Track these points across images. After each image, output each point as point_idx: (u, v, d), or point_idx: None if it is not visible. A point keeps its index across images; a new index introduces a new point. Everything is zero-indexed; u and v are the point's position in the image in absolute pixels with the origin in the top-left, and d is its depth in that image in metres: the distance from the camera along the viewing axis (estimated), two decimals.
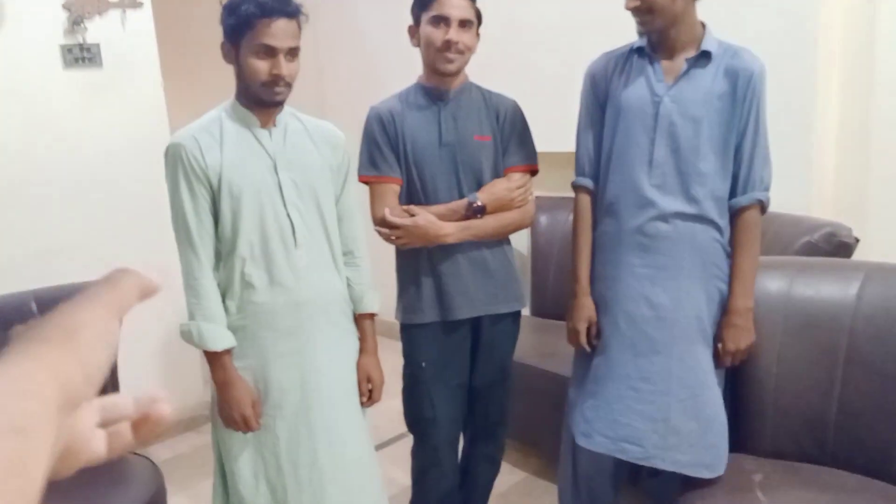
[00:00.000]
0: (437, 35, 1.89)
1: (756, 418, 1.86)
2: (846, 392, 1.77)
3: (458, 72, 1.96)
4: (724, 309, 1.80)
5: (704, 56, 1.75)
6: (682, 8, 1.71)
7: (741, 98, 1.72)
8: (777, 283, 1.88)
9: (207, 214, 1.68)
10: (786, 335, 1.85)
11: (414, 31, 1.98)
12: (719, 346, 1.80)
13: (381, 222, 1.96)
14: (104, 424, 0.47)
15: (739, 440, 1.88)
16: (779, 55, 2.54)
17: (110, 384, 2.19)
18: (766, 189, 1.79)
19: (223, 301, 1.71)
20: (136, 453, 2.20)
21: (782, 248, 2.27)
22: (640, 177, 1.78)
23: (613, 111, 1.83)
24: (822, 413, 1.80)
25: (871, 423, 1.74)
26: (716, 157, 1.75)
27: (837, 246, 2.24)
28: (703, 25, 1.78)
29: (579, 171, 1.93)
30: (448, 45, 1.89)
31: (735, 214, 1.79)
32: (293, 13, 1.64)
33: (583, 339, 1.90)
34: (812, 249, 2.22)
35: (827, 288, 1.85)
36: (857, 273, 1.84)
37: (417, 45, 1.97)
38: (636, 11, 1.71)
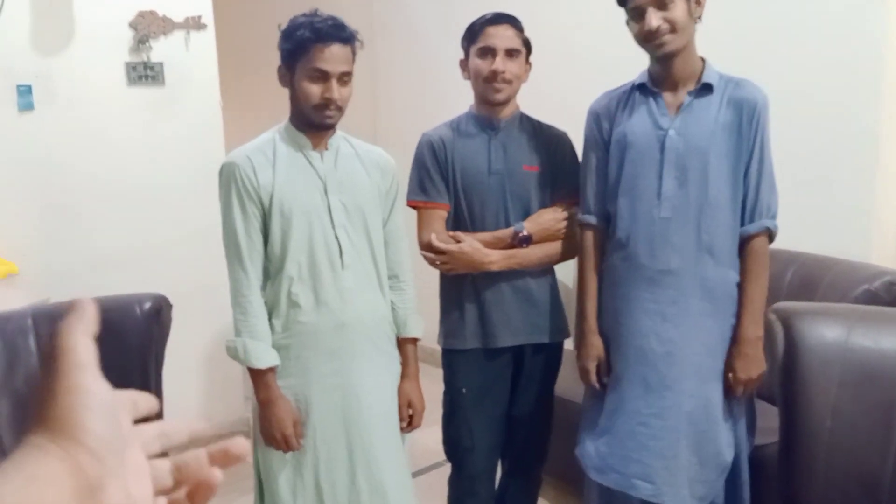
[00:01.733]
0: (485, 66, 1.92)
1: (806, 474, 1.78)
2: None
3: (508, 101, 1.97)
4: (734, 339, 1.79)
5: (706, 88, 1.76)
6: (691, 35, 1.75)
7: (746, 128, 1.74)
8: (834, 332, 1.81)
9: (258, 233, 1.70)
10: (842, 387, 1.76)
11: (465, 65, 2.01)
12: (730, 375, 1.79)
13: (427, 247, 1.96)
14: (166, 453, 0.46)
15: (789, 496, 1.80)
16: (841, 103, 2.49)
17: (155, 396, 2.22)
18: (774, 217, 1.79)
19: (269, 320, 1.73)
20: None
21: (840, 296, 2.20)
22: (649, 211, 1.79)
23: (619, 147, 1.84)
24: (878, 472, 1.71)
25: None
26: (725, 188, 1.75)
27: None
28: (703, 60, 1.80)
29: (585, 209, 1.93)
30: (495, 75, 1.91)
31: (744, 243, 1.79)
32: (347, 39, 1.67)
33: (593, 378, 1.90)
34: (871, 298, 2.14)
35: (887, 340, 1.77)
36: None
37: (468, 77, 2.00)
38: (657, 33, 1.70)
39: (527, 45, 1.97)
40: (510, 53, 1.92)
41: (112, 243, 2.99)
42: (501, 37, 1.91)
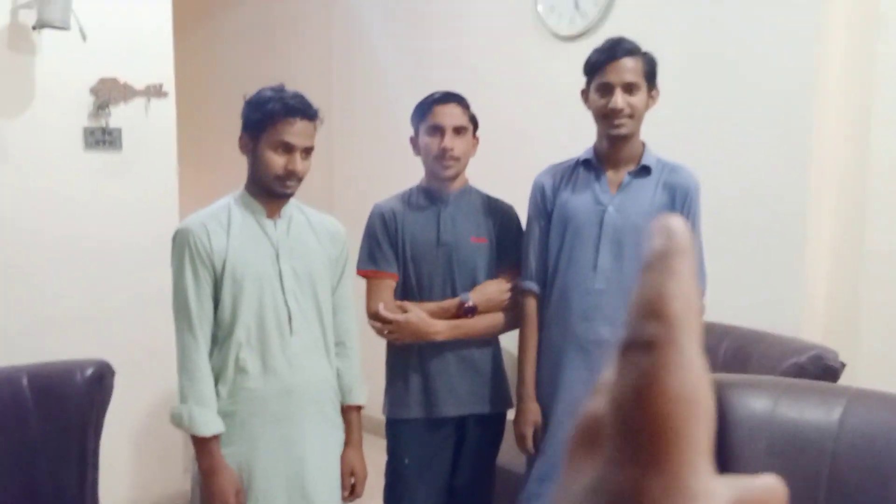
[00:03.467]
0: (434, 143, 2.01)
1: None
2: None
3: (457, 176, 2.06)
4: None
5: (644, 170, 1.89)
6: (640, 123, 1.88)
7: (679, 211, 1.85)
8: (762, 403, 1.89)
9: (209, 299, 1.73)
10: (770, 457, 1.84)
11: (415, 142, 2.10)
12: None
13: (374, 316, 2.01)
14: None
15: None
16: (771, 187, 2.64)
17: (91, 467, 2.18)
18: (702, 295, 1.86)
19: (215, 386, 1.73)
20: None
21: (770, 369, 2.29)
22: (585, 282, 1.88)
23: (560, 219, 1.94)
24: None
25: None
26: None
27: (824, 369, 2.25)
28: (643, 143, 1.93)
29: (527, 276, 2.01)
30: (444, 152, 1.99)
31: None
32: (313, 116, 1.76)
33: (529, 444, 1.95)
34: (799, 371, 2.24)
35: (811, 411, 1.85)
36: (840, 398, 1.85)
37: (418, 153, 2.09)
38: (619, 114, 1.83)
39: (473, 121, 2.07)
40: (458, 131, 2.01)
41: (59, 306, 2.95)
42: (449, 115, 2.01)
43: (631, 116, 1.84)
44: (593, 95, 1.88)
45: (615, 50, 1.83)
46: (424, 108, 2.05)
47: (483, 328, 2.03)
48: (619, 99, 1.82)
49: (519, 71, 3.44)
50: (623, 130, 1.85)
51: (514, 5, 3.42)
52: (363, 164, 4.35)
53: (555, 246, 1.96)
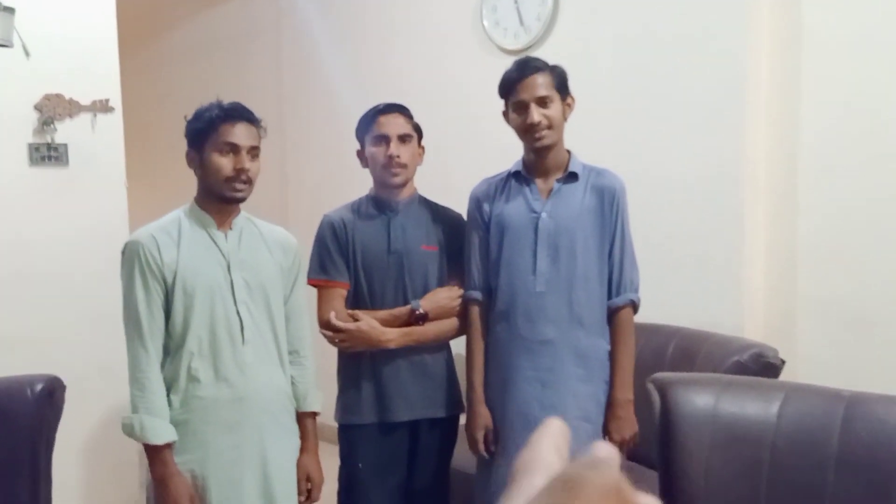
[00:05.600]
0: (380, 152, 2.05)
1: None
2: None
3: (405, 184, 2.10)
4: (608, 403, 1.94)
5: (572, 176, 1.97)
6: (562, 131, 1.97)
7: (608, 211, 1.95)
8: (704, 400, 1.96)
9: (160, 310, 1.73)
10: (713, 450, 1.91)
11: (361, 154, 2.13)
12: (606, 437, 1.93)
13: (325, 325, 2.03)
14: None
15: None
16: (708, 186, 2.74)
17: (44, 482, 2.15)
18: (636, 290, 1.98)
19: (167, 395, 1.74)
20: None
21: (714, 367, 2.37)
22: (526, 285, 1.94)
23: (498, 228, 2.01)
24: None
25: None
26: (592, 264, 1.94)
27: (764, 366, 2.34)
28: (569, 151, 2.02)
29: (470, 286, 2.07)
30: (391, 160, 2.03)
31: (611, 314, 1.97)
32: (253, 120, 1.80)
33: (481, 447, 2.00)
34: (741, 369, 2.32)
35: (750, 405, 1.93)
36: (777, 392, 1.93)
37: (366, 166, 2.12)
38: (538, 127, 1.90)
39: (417, 130, 2.12)
40: (403, 139, 2.05)
41: (7, 324, 2.90)
42: (393, 124, 2.05)
43: (550, 127, 1.92)
44: (512, 114, 1.96)
45: (524, 69, 1.92)
46: (368, 120, 2.09)
47: (434, 335, 2.06)
48: (535, 114, 1.90)
49: (466, 83, 3.50)
50: (546, 141, 1.93)
51: (462, 21, 3.50)
52: (316, 176, 4.37)
53: (494, 253, 2.02)
